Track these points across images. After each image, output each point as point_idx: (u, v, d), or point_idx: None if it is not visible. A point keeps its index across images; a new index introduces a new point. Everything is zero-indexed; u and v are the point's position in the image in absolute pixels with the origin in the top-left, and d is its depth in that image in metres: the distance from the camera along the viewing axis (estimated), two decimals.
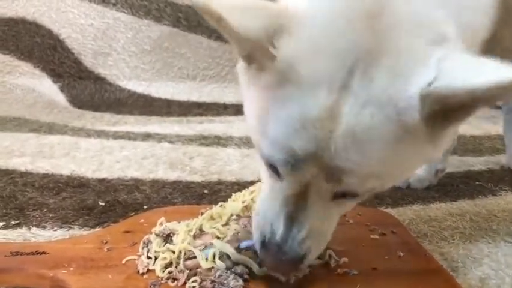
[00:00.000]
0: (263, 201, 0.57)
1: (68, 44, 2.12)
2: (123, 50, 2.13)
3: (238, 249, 0.61)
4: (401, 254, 0.66)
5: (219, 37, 2.12)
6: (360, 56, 0.44)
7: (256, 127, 0.52)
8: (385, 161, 0.46)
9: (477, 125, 1.70)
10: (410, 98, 0.43)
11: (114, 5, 2.10)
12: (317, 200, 0.51)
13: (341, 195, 0.51)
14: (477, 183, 1.07)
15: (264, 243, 0.54)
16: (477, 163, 1.24)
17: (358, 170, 0.46)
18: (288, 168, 0.48)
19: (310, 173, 0.48)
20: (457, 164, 1.23)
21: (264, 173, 0.57)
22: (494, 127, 1.65)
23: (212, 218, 0.68)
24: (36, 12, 2.09)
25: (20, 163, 1.15)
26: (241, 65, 0.54)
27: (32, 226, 0.80)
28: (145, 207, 0.91)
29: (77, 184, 1.02)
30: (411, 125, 0.44)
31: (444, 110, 0.44)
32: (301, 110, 0.45)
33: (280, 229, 0.52)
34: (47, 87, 2.10)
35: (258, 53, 0.47)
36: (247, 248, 0.61)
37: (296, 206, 0.52)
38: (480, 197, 0.99)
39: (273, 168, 0.51)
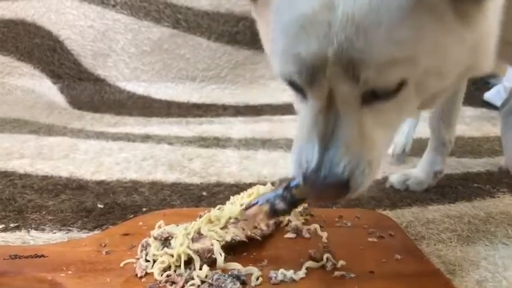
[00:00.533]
0: (297, 134, 0.52)
1: (68, 45, 2.12)
2: (123, 51, 2.13)
3: (289, 188, 0.59)
4: (399, 257, 0.67)
5: (218, 38, 2.13)
6: None
7: (270, 52, 0.51)
8: (401, 43, 0.43)
9: (476, 126, 1.70)
10: None
11: (114, 6, 2.10)
12: (346, 109, 0.46)
13: (372, 97, 0.46)
14: (475, 185, 1.07)
15: (304, 176, 0.48)
16: (475, 165, 1.24)
17: (370, 59, 0.42)
18: (304, 78, 0.46)
19: (326, 77, 0.45)
20: (455, 165, 1.23)
21: (296, 103, 0.53)
22: (493, 129, 1.65)
23: (210, 221, 0.68)
24: (36, 13, 2.10)
25: (19, 165, 1.16)
26: (253, 10, 0.56)
27: (31, 229, 0.80)
28: (143, 209, 0.91)
29: (76, 186, 1.03)
30: (421, 17, 0.42)
31: None
32: (296, 12, 0.45)
33: (314, 154, 0.47)
34: (47, 89, 2.11)
35: None
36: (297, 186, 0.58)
37: (327, 123, 0.47)
38: (478, 199, 0.99)
39: (295, 87, 0.49)
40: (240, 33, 2.10)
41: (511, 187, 1.06)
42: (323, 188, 0.48)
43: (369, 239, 0.73)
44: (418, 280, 0.62)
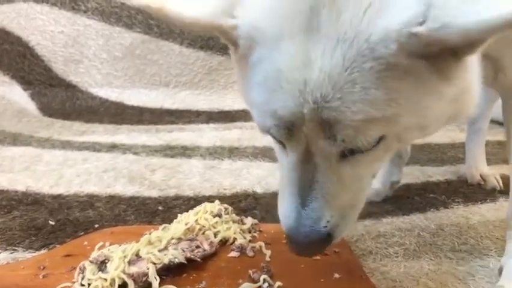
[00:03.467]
0: (279, 185, 0.52)
1: (38, 51, 2.09)
2: (94, 57, 2.11)
3: None
4: (337, 276, 0.67)
5: (191, 44, 2.12)
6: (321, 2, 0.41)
7: (246, 102, 0.51)
8: (376, 103, 0.42)
9: (443, 133, 1.72)
10: (384, 29, 0.40)
11: (85, 12, 2.08)
12: (325, 163, 0.46)
13: (350, 152, 0.46)
14: (431, 195, 1.09)
15: (286, 233, 0.49)
16: (436, 173, 1.25)
17: (346, 119, 0.42)
18: (281, 133, 0.46)
19: (303, 133, 0.45)
20: (417, 174, 1.25)
21: (276, 152, 0.53)
22: (459, 135, 1.67)
23: (150, 243, 0.68)
24: (5, 19, 2.07)
25: None
26: (232, 56, 0.54)
27: None
28: (96, 226, 0.90)
29: (31, 201, 1.02)
30: (392, 61, 0.40)
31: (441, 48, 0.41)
32: (272, 68, 0.44)
33: (293, 210, 0.48)
34: (18, 95, 2.08)
35: (223, 31, 0.47)
36: None
37: (306, 177, 0.47)
38: (432, 210, 1.01)
39: (274, 138, 0.49)
40: (213, 38, 2.09)
41: (466, 197, 1.08)
42: (304, 244, 0.49)
43: (313, 257, 0.73)
44: None
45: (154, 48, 2.11)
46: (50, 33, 2.08)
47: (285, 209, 0.49)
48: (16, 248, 0.80)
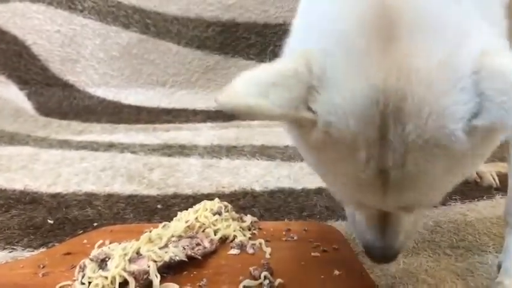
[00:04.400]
0: (357, 221, 0.59)
1: (35, 51, 2.08)
2: (91, 57, 2.11)
3: None
4: (337, 272, 0.68)
5: (188, 43, 2.11)
6: (387, 101, 0.40)
7: (319, 175, 0.55)
8: (440, 187, 0.48)
9: None
10: (451, 134, 0.40)
11: (81, 11, 2.07)
12: (394, 215, 0.54)
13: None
14: None
15: (367, 250, 0.59)
16: None
17: (415, 202, 0.49)
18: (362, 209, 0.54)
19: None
20: None
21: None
22: None
23: (150, 241, 0.68)
24: (1, 18, 2.05)
25: None
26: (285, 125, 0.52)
27: None
28: (95, 224, 0.90)
29: (29, 200, 1.01)
30: (459, 152, 0.42)
31: None
32: (351, 172, 0.45)
33: (376, 238, 0.56)
34: (14, 95, 2.06)
35: (299, 121, 0.45)
36: None
37: (382, 220, 0.55)
38: None
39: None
40: (210, 38, 2.09)
41: (463, 194, 1.08)
42: (390, 259, 0.59)
43: (312, 254, 0.73)
44: None
45: (151, 47, 2.11)
46: (46, 33, 2.07)
47: (369, 237, 0.57)
48: (15, 247, 0.80)
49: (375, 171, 0.44)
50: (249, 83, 0.42)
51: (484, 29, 0.43)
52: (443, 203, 1.04)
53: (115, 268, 0.61)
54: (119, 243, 0.69)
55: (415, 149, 0.41)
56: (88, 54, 2.11)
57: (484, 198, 1.07)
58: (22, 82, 2.07)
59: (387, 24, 0.41)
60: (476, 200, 1.06)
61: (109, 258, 0.64)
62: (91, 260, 0.64)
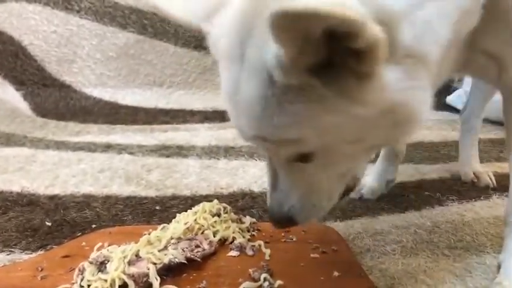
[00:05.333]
0: None
1: (31, 51, 2.07)
2: (88, 57, 2.10)
3: None
4: (337, 274, 0.68)
5: (185, 44, 2.11)
6: (253, 25, 0.46)
7: None
8: (282, 127, 0.47)
9: (436, 130, 1.73)
10: (269, 56, 0.43)
11: (78, 11, 2.07)
12: (280, 165, 0.56)
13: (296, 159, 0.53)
14: (426, 193, 1.10)
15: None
16: (430, 171, 1.26)
17: (263, 135, 0.49)
18: (243, 139, 0.54)
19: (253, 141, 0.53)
20: (412, 172, 1.26)
21: None
22: (452, 133, 1.69)
23: (149, 243, 0.68)
24: None
25: None
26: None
27: None
28: (93, 226, 0.90)
29: (27, 202, 1.01)
30: (285, 81, 0.43)
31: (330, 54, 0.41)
32: (224, 86, 0.50)
33: (269, 197, 0.60)
34: (10, 95, 2.06)
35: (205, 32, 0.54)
36: None
37: (273, 173, 0.57)
38: (427, 207, 1.02)
39: None
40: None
41: (460, 194, 1.09)
42: (276, 221, 0.60)
43: (312, 255, 0.73)
44: None
45: (148, 48, 2.10)
46: (42, 33, 2.06)
47: (267, 195, 0.60)
48: (13, 250, 0.79)
49: (232, 91, 0.49)
50: None
51: None
52: (441, 203, 1.05)
53: (115, 271, 0.60)
54: (119, 246, 0.69)
55: (257, 74, 0.45)
56: (84, 54, 2.10)
57: (481, 198, 1.07)
58: (18, 83, 2.06)
59: None
60: (473, 200, 1.06)
61: (108, 261, 0.63)
62: (90, 262, 0.63)
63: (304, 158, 0.52)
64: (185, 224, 0.75)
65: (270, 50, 0.43)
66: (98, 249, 0.69)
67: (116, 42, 2.10)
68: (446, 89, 2.06)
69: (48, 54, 2.09)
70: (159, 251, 0.66)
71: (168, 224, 0.78)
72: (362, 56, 0.40)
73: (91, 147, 1.47)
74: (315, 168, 0.54)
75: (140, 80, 2.13)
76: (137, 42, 2.10)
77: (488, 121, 1.60)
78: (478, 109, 1.17)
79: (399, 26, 0.45)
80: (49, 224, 0.90)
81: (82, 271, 0.64)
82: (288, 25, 0.36)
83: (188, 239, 0.72)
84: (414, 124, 0.52)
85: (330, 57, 0.42)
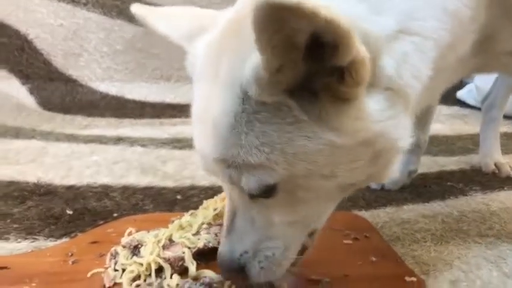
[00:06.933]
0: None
1: (37, 45, 2.05)
2: (95, 51, 2.08)
3: None
4: (374, 259, 0.66)
5: None
6: (231, 43, 0.45)
7: None
8: (249, 148, 0.43)
9: (449, 125, 1.73)
10: (251, 69, 0.40)
11: (85, 4, 2.05)
12: (239, 202, 0.49)
13: (253, 196, 0.47)
14: (448, 183, 1.09)
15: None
16: (449, 163, 1.25)
17: (228, 160, 0.44)
18: (205, 169, 0.50)
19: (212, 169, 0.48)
20: (430, 164, 1.24)
21: None
22: (464, 127, 1.68)
23: (182, 228, 0.66)
24: (3, 11, 2.02)
25: None
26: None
27: None
28: (114, 214, 0.88)
29: (44, 192, 0.99)
30: (258, 98, 0.41)
31: (308, 76, 0.40)
32: (194, 106, 0.49)
33: (222, 237, 0.52)
34: (16, 90, 2.02)
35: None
36: None
37: (231, 211, 0.51)
38: (451, 197, 1.01)
39: None
40: None
41: (483, 185, 1.08)
42: (225, 269, 0.51)
43: (345, 241, 0.72)
44: (393, 282, 0.61)
45: (155, 41, 2.08)
46: (49, 27, 2.04)
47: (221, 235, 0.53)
48: (36, 237, 0.77)
49: (204, 106, 0.47)
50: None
51: None
52: (464, 193, 1.04)
53: (150, 255, 0.59)
54: (148, 232, 0.67)
55: (228, 90, 0.43)
56: (91, 48, 2.08)
57: (505, 188, 1.06)
58: (24, 77, 2.04)
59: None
60: (496, 190, 1.05)
61: (141, 245, 0.62)
62: (124, 247, 0.62)
63: (267, 191, 0.46)
64: (215, 210, 0.73)
65: (249, 62, 0.40)
66: (129, 235, 0.67)
67: (124, 36, 2.07)
68: (457, 84, 2.05)
69: (55, 48, 2.06)
70: (192, 235, 0.64)
71: (193, 211, 0.76)
72: (344, 75, 0.38)
73: (102, 140, 1.45)
74: (278, 206, 0.48)
75: (148, 74, 2.11)
76: (144, 35, 2.07)
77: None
78: (501, 99, 1.16)
79: (382, 54, 0.43)
80: (70, 212, 0.88)
81: (114, 255, 0.62)
82: (272, 20, 0.33)
83: (219, 225, 0.70)
84: (395, 155, 0.48)
85: (309, 78, 0.40)
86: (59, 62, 2.07)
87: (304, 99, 0.41)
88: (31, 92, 2.02)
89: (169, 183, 1.07)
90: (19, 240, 0.76)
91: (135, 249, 0.61)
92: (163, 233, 0.64)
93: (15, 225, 0.81)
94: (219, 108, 0.43)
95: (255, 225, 0.49)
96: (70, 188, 1.02)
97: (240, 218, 0.50)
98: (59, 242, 0.75)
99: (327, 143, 0.43)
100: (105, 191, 1.01)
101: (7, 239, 0.76)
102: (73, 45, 2.07)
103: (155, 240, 0.61)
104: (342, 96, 0.41)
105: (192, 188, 1.05)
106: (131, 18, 2.06)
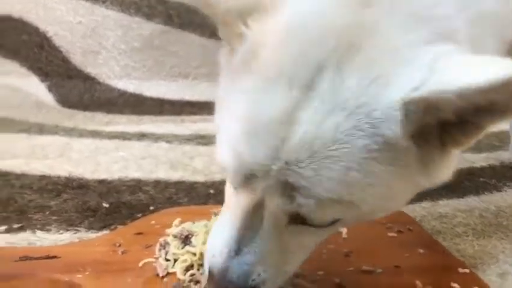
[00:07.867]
0: (220, 217, 0.49)
1: (56, 42, 2.05)
2: (113, 48, 2.08)
3: None
4: (421, 251, 0.66)
5: (212, 35, 2.09)
6: (337, 51, 0.36)
7: (217, 123, 0.47)
8: (352, 186, 0.38)
9: None
10: (388, 106, 0.36)
11: (103, 2, 2.05)
12: (272, 221, 0.43)
13: (299, 221, 0.42)
14: (481, 179, 1.08)
15: (210, 270, 0.45)
16: (478, 160, 1.24)
17: (314, 191, 0.38)
18: (237, 178, 0.42)
19: (261, 185, 0.40)
20: (459, 160, 1.23)
21: (227, 191, 0.50)
22: None
23: None
24: (23, 9, 2.03)
25: (14, 164, 1.10)
26: (223, 53, 0.49)
27: (36, 229, 0.76)
28: (151, 208, 0.88)
29: (77, 185, 0.99)
30: (390, 142, 0.37)
31: (439, 124, 0.38)
32: (255, 109, 0.39)
33: (225, 253, 0.44)
34: (35, 87, 2.03)
35: (231, 31, 0.42)
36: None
37: (250, 226, 0.43)
38: (486, 193, 1.00)
39: (229, 176, 0.45)
40: None
41: None
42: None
43: (389, 234, 0.72)
44: (446, 273, 0.61)
45: (173, 39, 2.08)
46: (68, 24, 2.04)
47: (218, 247, 0.45)
48: (78, 229, 0.78)
49: (284, 118, 0.37)
50: None
51: None
52: (498, 189, 1.03)
53: (203, 244, 0.58)
54: (193, 223, 0.67)
55: (344, 114, 0.36)
56: (109, 45, 2.08)
57: None
58: (43, 74, 2.04)
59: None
60: None
61: (191, 235, 0.61)
62: (175, 236, 0.61)
63: (332, 223, 0.43)
64: None
65: (395, 92, 0.36)
66: (176, 226, 0.67)
67: (142, 33, 2.07)
68: None
69: (73, 46, 2.06)
70: None
71: None
72: (468, 126, 0.38)
73: (126, 136, 1.45)
74: (313, 236, 0.45)
75: (166, 72, 2.11)
76: (162, 33, 2.08)
77: None
78: None
79: None
80: (106, 205, 0.88)
81: (163, 246, 0.62)
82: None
83: None
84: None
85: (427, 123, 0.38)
86: (77, 59, 2.07)
87: (420, 144, 0.39)
88: (50, 89, 2.03)
89: (200, 178, 1.07)
90: (61, 231, 0.77)
91: (186, 239, 0.61)
92: (212, 223, 0.63)
93: (54, 217, 0.82)
94: (324, 134, 0.37)
95: (284, 248, 0.45)
96: (101, 182, 1.02)
97: (267, 239, 0.43)
98: (100, 233, 0.76)
99: (415, 184, 0.42)
100: (137, 184, 1.01)
101: (49, 230, 0.77)
102: (91, 43, 2.07)
103: (206, 230, 0.61)
104: (456, 145, 0.40)
105: (223, 182, 1.03)
106: (149, 16, 2.07)
